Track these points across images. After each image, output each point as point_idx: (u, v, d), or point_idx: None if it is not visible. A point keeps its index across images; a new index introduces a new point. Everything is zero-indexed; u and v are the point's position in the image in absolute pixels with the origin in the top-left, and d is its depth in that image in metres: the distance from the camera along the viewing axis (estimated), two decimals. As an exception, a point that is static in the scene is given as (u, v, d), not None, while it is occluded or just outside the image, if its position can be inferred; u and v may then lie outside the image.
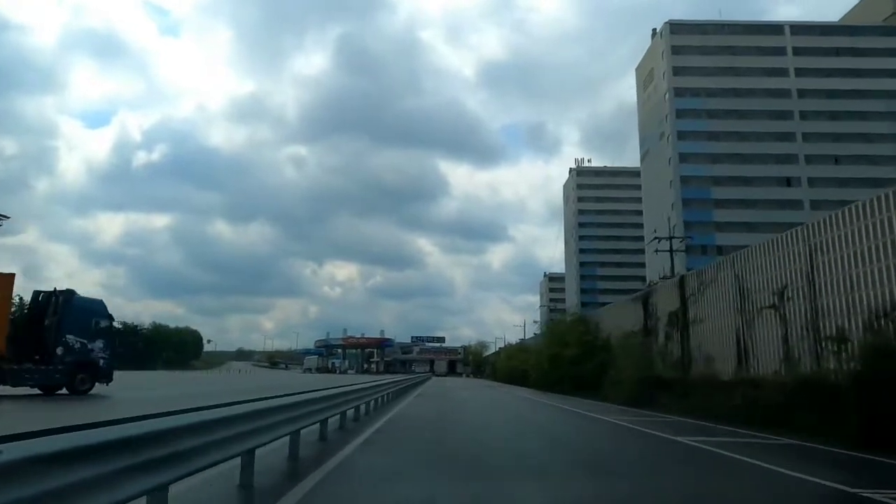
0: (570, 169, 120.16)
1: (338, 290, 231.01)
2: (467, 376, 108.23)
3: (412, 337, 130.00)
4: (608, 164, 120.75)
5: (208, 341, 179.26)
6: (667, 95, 65.89)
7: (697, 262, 43.63)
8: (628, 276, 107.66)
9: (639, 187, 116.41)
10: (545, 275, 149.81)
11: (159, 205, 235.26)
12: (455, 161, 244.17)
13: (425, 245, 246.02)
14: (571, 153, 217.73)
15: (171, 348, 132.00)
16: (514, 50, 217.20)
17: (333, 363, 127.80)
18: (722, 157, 63.53)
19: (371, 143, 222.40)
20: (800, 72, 64.83)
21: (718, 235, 60.51)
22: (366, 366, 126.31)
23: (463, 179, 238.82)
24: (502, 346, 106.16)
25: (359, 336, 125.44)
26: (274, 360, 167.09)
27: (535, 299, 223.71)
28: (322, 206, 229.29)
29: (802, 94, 64.48)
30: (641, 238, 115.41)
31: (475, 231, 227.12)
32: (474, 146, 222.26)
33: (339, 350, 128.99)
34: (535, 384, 41.55)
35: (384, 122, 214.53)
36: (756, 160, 63.01)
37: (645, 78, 73.07)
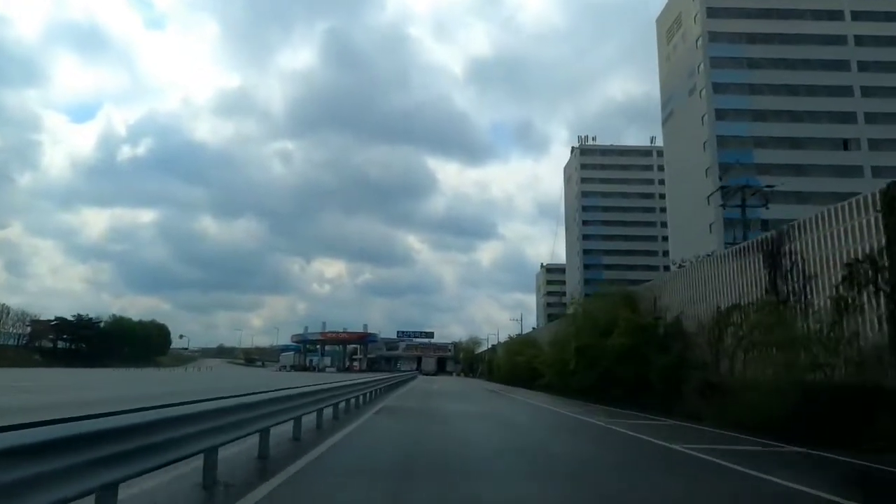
0: (573, 147, 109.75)
1: (326, 287, 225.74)
2: (458, 375, 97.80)
3: (398, 332, 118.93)
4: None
5: (180, 336, 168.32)
6: (699, 41, 55.35)
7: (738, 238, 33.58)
8: (637, 266, 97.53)
9: (649, 167, 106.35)
10: (542, 266, 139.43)
11: (145, 200, 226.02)
12: (444, 158, 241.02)
13: (414, 242, 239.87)
14: (560, 152, 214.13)
15: (134, 343, 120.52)
16: (502, 47, 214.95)
17: (311, 360, 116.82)
18: (766, 114, 53.15)
19: (359, 139, 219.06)
20: (857, 15, 54.58)
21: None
22: (347, 364, 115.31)
23: (452, 176, 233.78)
24: (497, 341, 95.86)
25: (340, 331, 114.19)
26: (250, 357, 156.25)
27: (525, 297, 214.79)
28: (310, 202, 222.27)
29: (861, 41, 54.23)
30: (652, 223, 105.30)
31: (464, 228, 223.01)
32: (463, 143, 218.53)
33: (318, 346, 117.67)
34: (552, 387, 30.99)
35: (372, 118, 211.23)
36: (807, 118, 52.70)
37: (669, 27, 62.44)
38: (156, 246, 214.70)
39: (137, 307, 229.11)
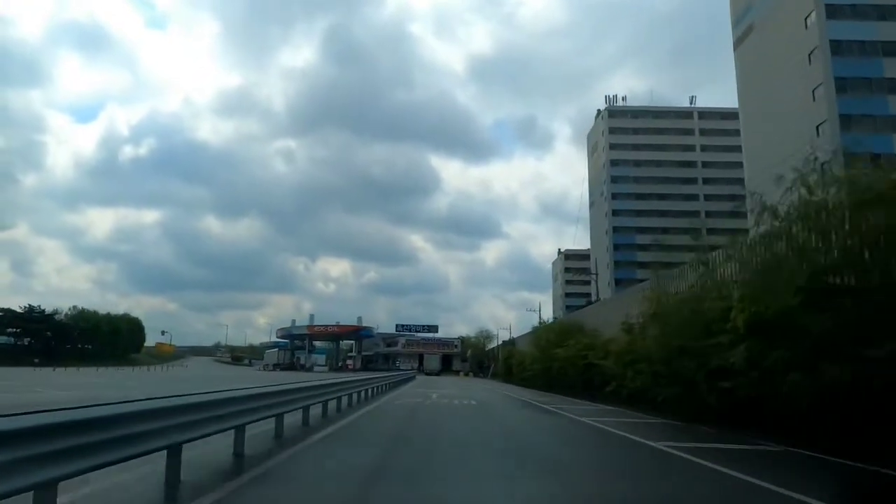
0: (598, 111, 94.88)
1: (332, 287, 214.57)
2: (466, 374, 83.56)
3: (397, 325, 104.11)
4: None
5: (162, 333, 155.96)
6: (798, -83, 40.52)
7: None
8: (676, 246, 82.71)
9: (689, 132, 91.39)
10: (560, 252, 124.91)
11: (149, 200, 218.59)
12: (447, 156, 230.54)
13: (418, 241, 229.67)
14: (564, 150, 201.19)
15: (100, 339, 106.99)
16: (503, 44, 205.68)
17: (298, 357, 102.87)
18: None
19: (361, 137, 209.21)
20: None
21: (901, 139, 35.41)
22: (340, 362, 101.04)
23: (455, 175, 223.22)
24: (510, 336, 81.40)
25: (329, 324, 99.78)
26: (237, 355, 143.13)
27: (531, 296, 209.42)
28: (313, 200, 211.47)
29: None
30: (693, 196, 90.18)
31: (469, 227, 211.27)
32: (466, 141, 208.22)
33: (305, 342, 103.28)
34: (639, 399, 16.72)
35: (374, 116, 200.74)
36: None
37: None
38: (160, 246, 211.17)
39: (144, 307, 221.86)
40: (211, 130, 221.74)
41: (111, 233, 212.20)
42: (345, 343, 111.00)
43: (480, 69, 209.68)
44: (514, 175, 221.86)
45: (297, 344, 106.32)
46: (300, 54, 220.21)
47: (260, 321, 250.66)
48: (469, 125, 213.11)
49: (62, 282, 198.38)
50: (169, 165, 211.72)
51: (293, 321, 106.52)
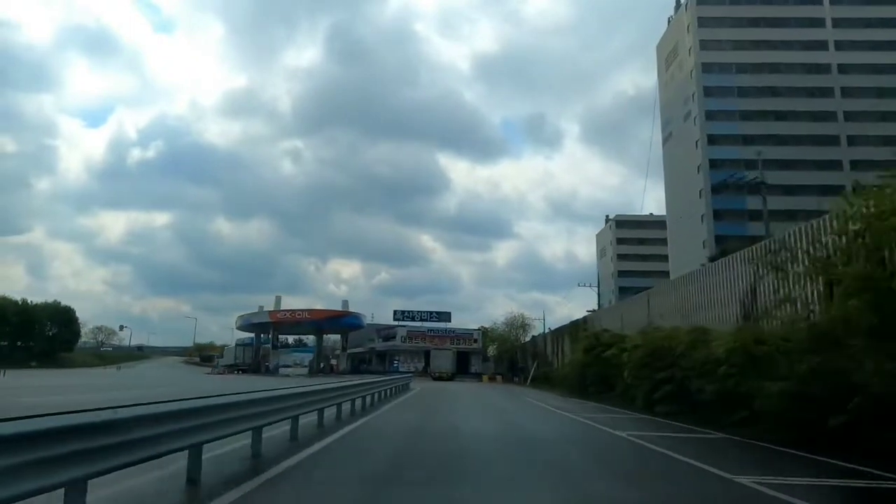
0: (677, 2, 67.29)
1: (343, 288, 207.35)
2: (492, 378, 57.05)
3: (396, 313, 76.61)
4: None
5: (121, 328, 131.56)
6: None
7: None
8: (806, 186, 55.40)
9: (820, 23, 63.59)
10: (608, 219, 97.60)
11: (160, 202, 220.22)
12: (455, 156, 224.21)
13: (428, 241, 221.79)
14: (574, 149, 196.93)
15: (9, 334, 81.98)
16: (509, 42, 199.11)
17: (265, 355, 76.69)
18: None
19: (368, 137, 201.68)
20: None
21: None
22: (322, 364, 74.32)
23: (464, 174, 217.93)
24: (545, 329, 54.34)
25: (301, 309, 72.82)
26: (206, 354, 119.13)
27: (542, 297, 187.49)
28: (322, 201, 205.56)
29: None
30: (828, 114, 61.86)
31: (479, 227, 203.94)
32: (474, 140, 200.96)
33: (270, 334, 76.56)
34: None
35: (380, 116, 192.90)
36: None
37: None
38: (172, 248, 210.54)
39: (158, 308, 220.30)
40: (218, 132, 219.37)
41: (123, 235, 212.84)
42: (336, 339, 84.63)
43: (486, 67, 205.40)
44: (523, 174, 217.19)
45: (265, 338, 79.80)
46: (305, 54, 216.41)
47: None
48: (476, 124, 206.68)
49: (79, 284, 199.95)
50: (178, 167, 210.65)
51: (261, 307, 79.86)
